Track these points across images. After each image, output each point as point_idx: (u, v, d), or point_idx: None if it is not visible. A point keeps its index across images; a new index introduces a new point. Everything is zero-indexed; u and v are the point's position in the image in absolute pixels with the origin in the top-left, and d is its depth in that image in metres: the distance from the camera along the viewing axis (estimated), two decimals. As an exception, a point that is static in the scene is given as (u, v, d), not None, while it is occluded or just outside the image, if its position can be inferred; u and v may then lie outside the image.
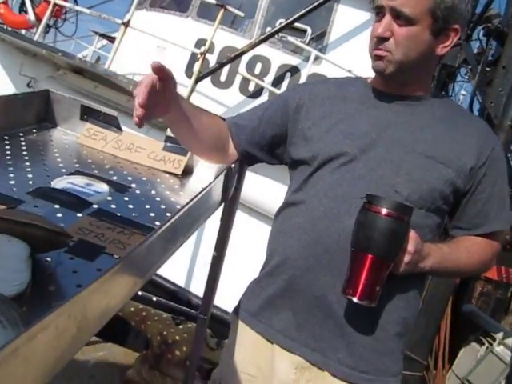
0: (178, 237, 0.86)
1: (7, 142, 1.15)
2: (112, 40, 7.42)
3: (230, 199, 1.19)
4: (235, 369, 1.04)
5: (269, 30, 3.92)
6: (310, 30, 4.13)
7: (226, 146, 1.11)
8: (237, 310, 1.12)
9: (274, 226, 1.10)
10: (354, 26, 4.08)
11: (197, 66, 3.36)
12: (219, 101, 4.08)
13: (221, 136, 1.10)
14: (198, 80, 3.46)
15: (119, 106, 3.65)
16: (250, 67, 4.09)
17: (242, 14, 3.48)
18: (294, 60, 4.12)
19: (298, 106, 1.08)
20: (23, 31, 4.96)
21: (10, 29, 4.16)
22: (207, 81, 3.89)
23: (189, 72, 4.15)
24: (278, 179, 2.85)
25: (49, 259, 0.74)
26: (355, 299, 0.87)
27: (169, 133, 1.28)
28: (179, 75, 4.21)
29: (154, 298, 2.11)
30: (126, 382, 1.84)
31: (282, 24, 3.70)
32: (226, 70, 4.07)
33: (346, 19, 4.08)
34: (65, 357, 0.54)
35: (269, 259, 1.07)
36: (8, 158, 1.07)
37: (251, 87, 4.14)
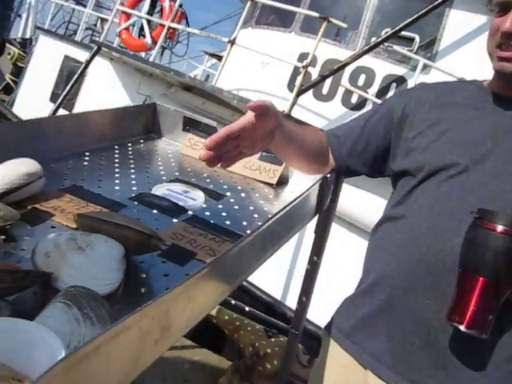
0: (269, 246, 0.83)
1: (117, 151, 1.24)
2: (220, 58, 7.82)
3: (325, 211, 1.15)
4: (324, 389, 0.98)
5: (373, 40, 3.81)
6: (417, 38, 3.93)
7: (326, 159, 1.07)
8: (329, 327, 1.06)
9: (372, 242, 1.03)
10: (468, 30, 3.79)
11: (299, 80, 3.36)
12: (321, 114, 4.04)
13: (322, 150, 1.05)
14: (299, 93, 3.46)
15: (223, 119, 3.81)
16: (353, 79, 4.00)
17: (344, 26, 3.42)
18: (399, 70, 3.94)
19: (404, 115, 1.00)
20: (142, 54, 5.43)
21: (130, 52, 4.58)
22: (309, 94, 3.88)
23: (291, 86, 4.19)
24: (378, 192, 2.72)
25: (143, 262, 0.77)
26: (462, 327, 0.76)
27: (265, 142, 1.27)
28: (282, 89, 4.27)
29: (247, 308, 2.11)
30: (218, 390, 1.88)
31: (388, 33, 3.56)
32: (328, 82, 4.03)
33: (459, 24, 3.81)
34: (147, 359, 0.54)
35: (365, 276, 1.00)
36: (116, 165, 1.14)
37: (354, 99, 4.04)
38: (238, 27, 3.76)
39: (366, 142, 1.03)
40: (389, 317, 0.90)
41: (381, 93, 3.96)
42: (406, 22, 3.49)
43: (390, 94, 3.97)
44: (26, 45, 6.96)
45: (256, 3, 4.24)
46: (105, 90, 4.49)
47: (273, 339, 1.79)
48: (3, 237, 0.72)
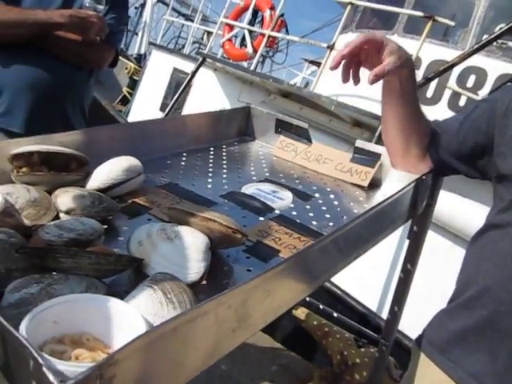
0: (353, 248, 0.81)
1: (212, 153, 1.29)
2: (320, 65, 7.80)
3: (420, 215, 1.08)
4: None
5: (485, 37, 3.52)
6: (538, 33, 3.55)
7: (425, 151, 1.02)
8: (419, 340, 0.99)
9: (472, 251, 0.94)
10: None
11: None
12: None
13: (425, 138, 1.02)
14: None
15: (321, 126, 3.78)
16: (461, 80, 3.73)
17: (452, 24, 3.21)
18: (516, 69, 3.59)
19: (509, 110, 0.91)
20: (245, 63, 5.63)
21: (232, 62, 4.77)
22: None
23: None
24: (477, 198, 2.49)
25: (228, 255, 0.79)
26: None
27: (358, 144, 1.24)
28: (380, 93, 4.13)
29: (335, 314, 2.06)
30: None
31: (503, 28, 3.26)
32: (433, 85, 3.81)
33: None
34: (224, 347, 0.55)
35: (463, 288, 0.92)
36: (210, 165, 1.19)
37: (462, 102, 3.76)
38: (337, 32, 3.72)
39: (464, 137, 0.96)
40: (492, 335, 0.82)
41: (494, 94, 3.64)
42: (525, 16, 3.17)
43: (505, 95, 3.64)
44: (141, 60, 7.62)
45: (357, 7, 4.17)
46: (208, 99, 4.72)
47: (363, 349, 1.72)
48: (105, 226, 0.80)
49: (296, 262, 0.65)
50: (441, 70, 3.45)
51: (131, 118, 5.08)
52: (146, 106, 5.30)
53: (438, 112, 3.85)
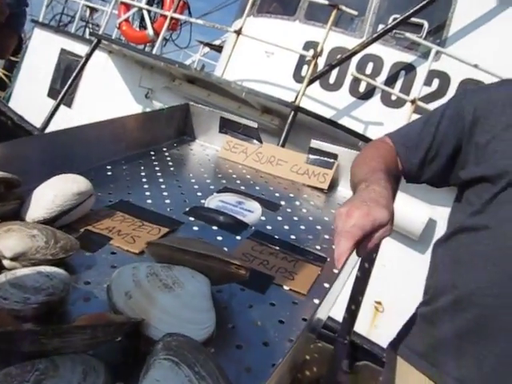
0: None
1: (154, 158, 1.15)
2: (215, 48, 7.66)
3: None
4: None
5: (381, 27, 3.72)
6: (426, 24, 3.84)
7: (398, 172, 0.98)
8: (394, 345, 0.99)
9: (442, 254, 0.95)
10: (479, 14, 3.70)
11: (309, 70, 3.26)
12: (328, 103, 3.96)
13: (396, 166, 0.96)
14: (309, 83, 3.36)
15: (232, 113, 3.70)
16: (360, 67, 3.91)
17: (355, 13, 3.32)
18: (408, 57, 3.86)
19: (475, 119, 0.91)
20: (140, 46, 5.27)
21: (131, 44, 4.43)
22: (316, 84, 3.78)
23: (297, 76, 4.09)
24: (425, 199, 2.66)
25: (220, 291, 0.69)
26: None
27: (313, 144, 1.19)
28: (287, 79, 4.17)
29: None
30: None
31: (398, 19, 3.46)
32: (335, 71, 3.94)
33: (469, 8, 3.72)
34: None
35: (440, 292, 0.92)
36: (158, 174, 1.05)
37: (362, 88, 3.95)
38: (244, 16, 3.63)
39: (436, 152, 0.94)
40: (477, 339, 0.83)
41: (389, 81, 3.87)
42: (416, 8, 3.39)
43: (399, 81, 3.89)
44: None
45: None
46: (104, 84, 4.36)
47: (311, 345, 1.72)
48: (64, 268, 0.64)
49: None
50: (344, 58, 3.58)
51: (13, 105, 4.47)
52: (30, 91, 4.71)
53: (340, 97, 4.01)
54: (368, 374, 1.72)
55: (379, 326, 3.39)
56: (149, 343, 0.52)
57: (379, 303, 3.45)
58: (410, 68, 3.88)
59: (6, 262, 0.61)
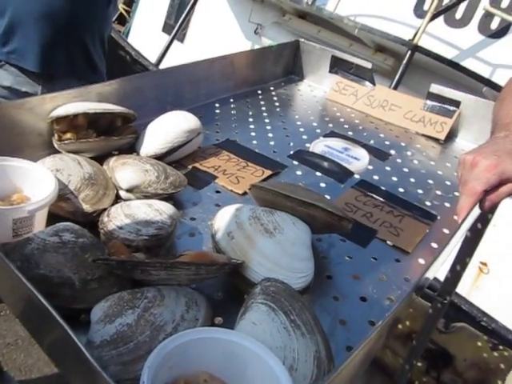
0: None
1: (261, 97, 1.13)
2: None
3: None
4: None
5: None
6: None
7: None
8: None
9: None
10: None
11: (434, 3, 2.92)
12: (453, 43, 3.55)
13: None
14: (432, 18, 3.02)
15: (342, 51, 3.51)
16: (494, 0, 3.41)
17: None
18: (559, -13, 3.26)
19: None
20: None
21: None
22: (439, 19, 3.39)
23: (419, 10, 3.70)
24: None
25: (320, 240, 0.67)
26: None
27: (433, 89, 1.08)
28: (407, 14, 3.79)
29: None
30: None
31: None
32: (463, 5, 3.49)
33: None
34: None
35: None
36: (264, 114, 1.04)
37: (494, 24, 3.46)
38: None
39: None
40: None
41: (530, 16, 3.33)
42: None
43: (542, 17, 3.33)
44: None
45: None
46: (215, 20, 4.36)
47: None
48: (172, 202, 0.67)
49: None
50: (476, -11, 3.14)
51: (132, 40, 4.70)
52: (146, 27, 4.88)
53: (467, 35, 3.57)
54: (465, 335, 1.64)
55: (481, 287, 3.19)
56: (247, 284, 0.53)
57: (484, 264, 3.23)
58: (559, 0, 3.29)
59: (122, 193, 0.65)
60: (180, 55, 4.12)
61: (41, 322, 0.43)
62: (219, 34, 4.37)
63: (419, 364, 1.54)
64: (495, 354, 1.57)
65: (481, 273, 3.37)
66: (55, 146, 0.69)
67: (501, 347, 1.59)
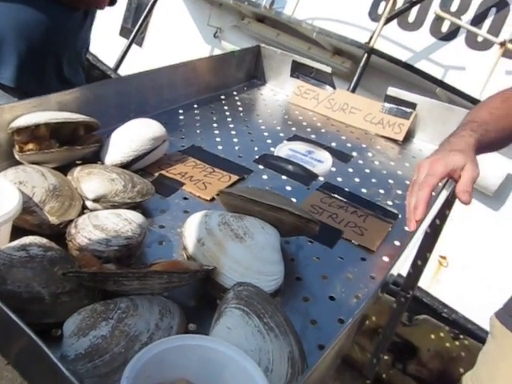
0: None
1: (224, 102, 1.14)
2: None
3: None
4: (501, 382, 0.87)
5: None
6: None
7: None
8: (500, 314, 0.93)
9: None
10: None
11: (387, 8, 3.03)
12: (406, 45, 3.68)
13: None
14: (386, 22, 3.13)
15: (299, 54, 3.56)
16: (444, 4, 3.56)
17: None
18: (502, -8, 3.45)
19: None
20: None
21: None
22: (393, 23, 3.51)
23: (373, 14, 3.82)
24: None
25: (288, 242, 0.69)
26: None
27: (390, 92, 1.12)
28: (362, 17, 3.90)
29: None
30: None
31: None
32: (415, 9, 3.62)
33: None
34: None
35: None
36: (229, 119, 1.05)
37: (445, 28, 3.62)
38: None
39: None
40: None
41: (477, 19, 3.51)
42: None
43: (488, 20, 3.51)
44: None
45: None
46: (174, 23, 4.33)
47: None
48: (140, 210, 0.66)
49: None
50: (427, -7, 3.27)
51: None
52: (103, 31, 4.79)
53: (420, 38, 3.71)
54: (428, 327, 1.71)
55: (441, 280, 3.31)
56: (219, 290, 0.53)
57: (444, 258, 3.36)
58: (501, 4, 3.48)
59: (88, 203, 0.64)
60: (139, 59, 4.07)
61: (10, 339, 0.42)
62: (178, 37, 4.35)
63: (386, 357, 1.59)
64: (456, 343, 1.65)
65: (440, 266, 3.51)
66: (16, 157, 0.67)
67: (461, 336, 1.66)
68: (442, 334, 1.68)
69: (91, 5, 1.10)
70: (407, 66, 3.09)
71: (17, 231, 0.56)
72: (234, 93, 1.20)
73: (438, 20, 3.60)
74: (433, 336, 1.68)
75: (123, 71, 3.75)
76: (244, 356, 0.41)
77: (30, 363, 0.41)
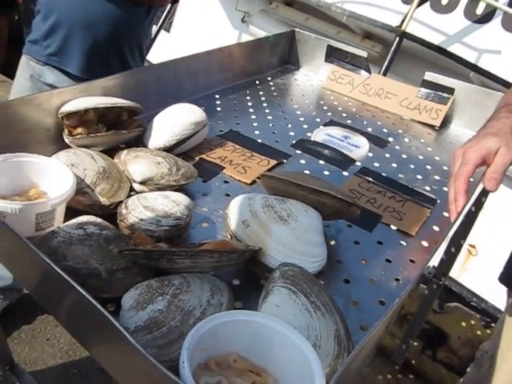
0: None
1: (259, 87, 1.15)
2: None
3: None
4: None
5: None
6: None
7: None
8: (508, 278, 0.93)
9: None
10: None
11: (420, -11, 2.94)
12: (439, 28, 3.57)
13: None
14: (418, 5, 3.05)
15: (330, 38, 3.51)
16: (480, -15, 3.44)
17: None
18: (542, -29, 3.30)
19: None
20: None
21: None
22: (425, 5, 3.42)
23: (405, -4, 3.72)
24: None
25: (328, 226, 0.70)
26: None
27: (427, 76, 1.10)
28: (394, 0, 3.81)
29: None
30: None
31: None
32: (449, -10, 3.52)
33: None
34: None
35: None
36: (264, 104, 1.06)
37: (480, 10, 3.50)
38: None
39: None
40: None
41: (514, 1, 3.38)
42: None
43: (526, 1, 3.37)
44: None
45: None
46: (201, 8, 4.32)
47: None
48: (183, 193, 0.68)
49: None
50: (462, -26, 3.16)
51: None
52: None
53: (453, 21, 3.60)
54: (459, 315, 1.70)
55: (470, 269, 3.27)
56: (264, 270, 0.55)
57: (473, 246, 3.31)
58: (542, -16, 3.34)
59: (135, 186, 0.67)
60: (167, 45, 4.09)
61: (75, 311, 0.45)
62: (206, 22, 4.34)
63: (415, 344, 1.59)
64: (488, 331, 1.63)
65: (470, 255, 3.45)
66: (66, 141, 0.70)
67: (493, 325, 1.65)
68: (473, 322, 1.67)
69: (154, 1, 1.13)
70: (440, 50, 3.00)
71: (70, 212, 0.60)
72: (269, 78, 1.21)
73: (473, 2, 3.49)
74: (464, 324, 1.67)
75: (152, 57, 3.78)
76: (293, 331, 0.43)
77: (92, 333, 0.44)
